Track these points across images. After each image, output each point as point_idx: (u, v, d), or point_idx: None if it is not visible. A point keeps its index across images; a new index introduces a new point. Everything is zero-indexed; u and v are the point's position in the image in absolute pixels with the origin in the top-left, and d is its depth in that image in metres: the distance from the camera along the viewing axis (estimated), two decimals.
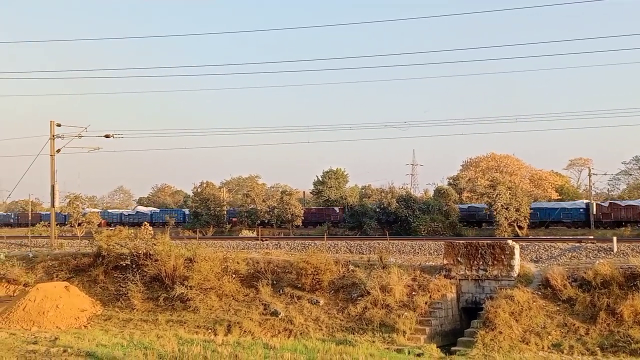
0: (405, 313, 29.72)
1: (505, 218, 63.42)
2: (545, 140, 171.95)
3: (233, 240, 50.27)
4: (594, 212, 66.39)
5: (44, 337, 28.55)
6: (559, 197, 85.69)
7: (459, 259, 32.35)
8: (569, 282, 29.25)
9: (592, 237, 45.33)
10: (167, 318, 32.74)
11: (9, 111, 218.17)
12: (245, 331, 30.20)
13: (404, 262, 35.03)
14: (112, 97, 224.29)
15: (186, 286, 33.72)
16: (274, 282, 34.32)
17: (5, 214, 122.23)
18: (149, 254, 37.33)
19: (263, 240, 47.99)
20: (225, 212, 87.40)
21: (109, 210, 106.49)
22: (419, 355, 25.32)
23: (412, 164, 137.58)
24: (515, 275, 31.21)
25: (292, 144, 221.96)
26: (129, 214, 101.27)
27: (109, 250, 38.85)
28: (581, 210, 69.14)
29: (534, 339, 26.30)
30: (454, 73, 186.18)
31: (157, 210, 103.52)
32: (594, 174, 77.79)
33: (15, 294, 38.35)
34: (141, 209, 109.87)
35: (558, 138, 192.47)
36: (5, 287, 40.26)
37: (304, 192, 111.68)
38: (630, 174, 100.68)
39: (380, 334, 28.53)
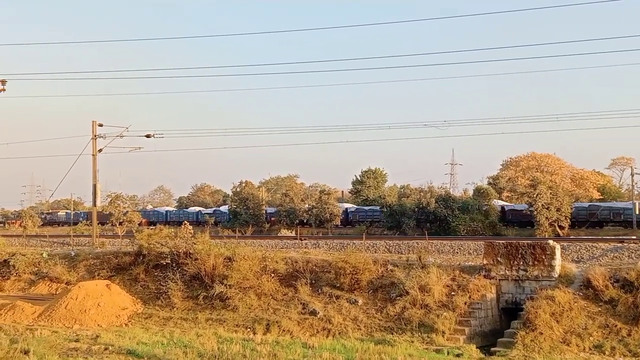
0: (445, 313, 29.56)
1: (546, 218, 62.77)
2: (586, 139, 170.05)
3: (272, 240, 50.46)
4: (637, 212, 65.31)
5: (85, 335, 28.86)
6: (601, 197, 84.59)
7: (498, 259, 32.07)
8: (610, 283, 28.83)
9: (634, 237, 44.65)
10: (206, 317, 32.95)
11: (52, 111, 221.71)
12: (284, 330, 30.28)
13: (443, 262, 34.81)
14: (153, 97, 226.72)
15: (225, 285, 33.90)
16: (313, 281, 34.35)
17: (76, 212, 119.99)
18: (189, 252, 37.61)
19: (302, 240, 48.07)
20: (264, 212, 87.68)
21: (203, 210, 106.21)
22: (458, 355, 25.18)
23: (452, 164, 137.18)
24: (556, 275, 30.85)
25: (331, 143, 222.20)
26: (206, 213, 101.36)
27: (150, 249, 39.24)
28: None
29: (575, 340, 26.00)
30: (494, 72, 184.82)
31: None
32: (636, 174, 76.77)
33: (57, 292, 38.88)
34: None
35: (600, 137, 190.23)
36: (48, 285, 40.87)
37: (342, 192, 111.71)
38: None
39: (419, 334, 28.41)
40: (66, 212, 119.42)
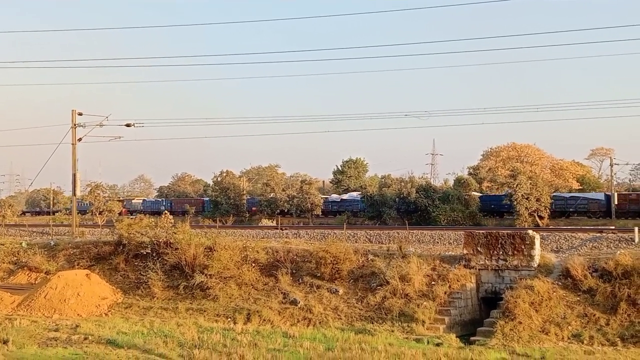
0: (425, 303, 29.68)
1: (526, 208, 63.10)
2: (566, 130, 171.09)
3: (253, 229, 50.46)
4: (616, 202, 65.73)
5: (65, 325, 28.79)
6: (580, 188, 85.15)
7: (478, 248, 32.24)
8: (589, 273, 29.08)
9: (613, 227, 44.99)
10: (187, 306, 32.87)
11: (31, 100, 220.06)
12: (264, 320, 30.28)
13: (423, 252, 34.95)
14: (133, 86, 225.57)
15: (206, 275, 33.81)
16: (293, 271, 34.36)
17: (157, 200, 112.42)
18: (170, 242, 37.45)
19: (282, 229, 48.05)
20: (245, 201, 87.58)
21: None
22: (438, 344, 25.31)
23: (432, 154, 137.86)
24: (536, 265, 31.05)
25: (312, 133, 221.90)
26: None
27: (130, 238, 39.06)
28: None
29: (554, 329, 26.20)
30: (474, 62, 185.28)
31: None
32: (615, 164, 77.25)
33: (37, 282, 38.64)
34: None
35: (579, 128, 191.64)
36: (27, 274, 40.56)
37: (323, 182, 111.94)
38: None
39: (399, 323, 28.53)
40: (143, 200, 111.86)
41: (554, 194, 70.60)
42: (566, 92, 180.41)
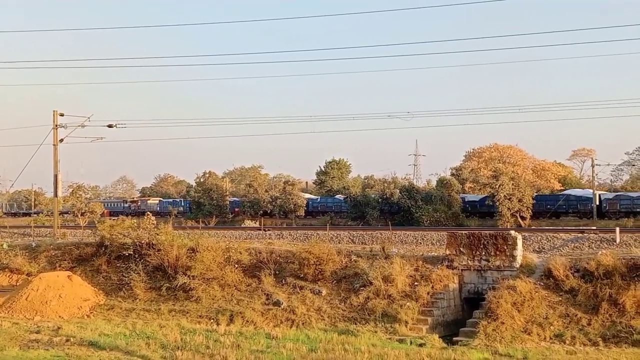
0: (408, 303, 29.72)
1: (508, 209, 63.36)
2: (548, 130, 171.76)
3: (236, 230, 50.36)
4: (597, 203, 66.08)
5: (46, 327, 28.61)
6: (562, 188, 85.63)
7: (461, 249, 32.32)
8: (571, 273, 29.23)
9: (594, 227, 45.26)
10: (169, 308, 32.76)
11: (12, 100, 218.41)
12: (247, 321, 30.22)
13: (406, 253, 35.00)
14: (115, 86, 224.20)
15: (189, 276, 33.72)
16: (277, 272, 34.30)
17: (175, 200, 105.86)
18: (152, 243, 37.33)
19: (265, 230, 47.99)
20: (228, 202, 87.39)
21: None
22: (421, 345, 25.33)
23: (415, 154, 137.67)
24: (518, 265, 31.18)
25: (295, 134, 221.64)
26: None
27: (112, 239, 38.86)
28: None
29: (536, 329, 26.31)
30: (457, 63, 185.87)
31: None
32: (597, 165, 77.61)
33: (18, 284, 38.40)
34: None
35: (561, 128, 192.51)
36: (8, 276, 40.28)
37: (306, 182, 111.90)
38: (634, 165, 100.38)
39: (383, 324, 28.55)
40: (159, 201, 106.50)
41: (609, 194, 70.47)
42: (548, 93, 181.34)
